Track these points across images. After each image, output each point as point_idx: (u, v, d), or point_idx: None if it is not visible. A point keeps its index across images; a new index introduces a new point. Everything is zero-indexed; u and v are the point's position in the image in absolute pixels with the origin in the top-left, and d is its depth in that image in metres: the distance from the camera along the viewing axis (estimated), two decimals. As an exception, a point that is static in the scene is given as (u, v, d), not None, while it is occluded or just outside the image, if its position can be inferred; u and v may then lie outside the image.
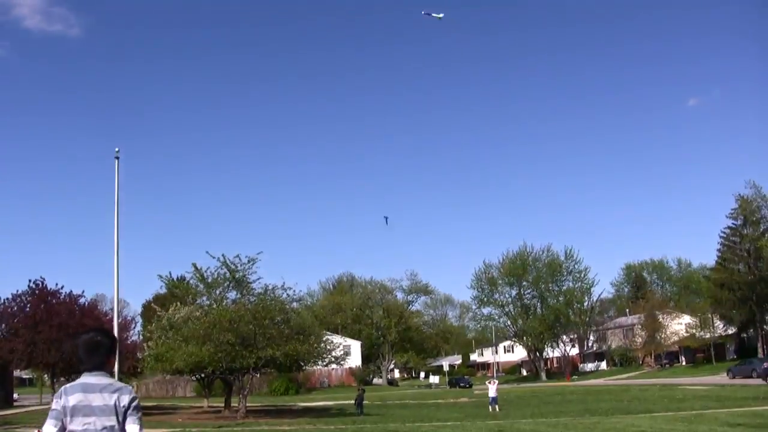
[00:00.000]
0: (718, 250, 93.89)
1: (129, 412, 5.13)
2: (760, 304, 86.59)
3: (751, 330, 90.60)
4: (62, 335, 39.65)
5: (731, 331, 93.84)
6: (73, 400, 5.07)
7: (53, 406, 5.17)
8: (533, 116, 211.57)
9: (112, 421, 5.06)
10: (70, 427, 5.06)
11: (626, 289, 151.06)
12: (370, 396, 53.41)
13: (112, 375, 5.38)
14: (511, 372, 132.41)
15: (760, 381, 59.55)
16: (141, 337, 56.93)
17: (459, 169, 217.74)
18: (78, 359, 5.32)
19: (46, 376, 56.70)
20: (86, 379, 5.17)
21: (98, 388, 5.11)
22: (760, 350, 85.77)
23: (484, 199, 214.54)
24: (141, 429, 5.17)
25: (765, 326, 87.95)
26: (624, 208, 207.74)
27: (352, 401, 51.84)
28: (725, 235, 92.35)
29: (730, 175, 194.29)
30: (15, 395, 70.30)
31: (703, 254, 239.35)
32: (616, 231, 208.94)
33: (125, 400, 5.13)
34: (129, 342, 48.81)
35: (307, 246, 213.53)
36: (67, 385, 5.23)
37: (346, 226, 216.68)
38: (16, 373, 71.52)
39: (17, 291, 43.27)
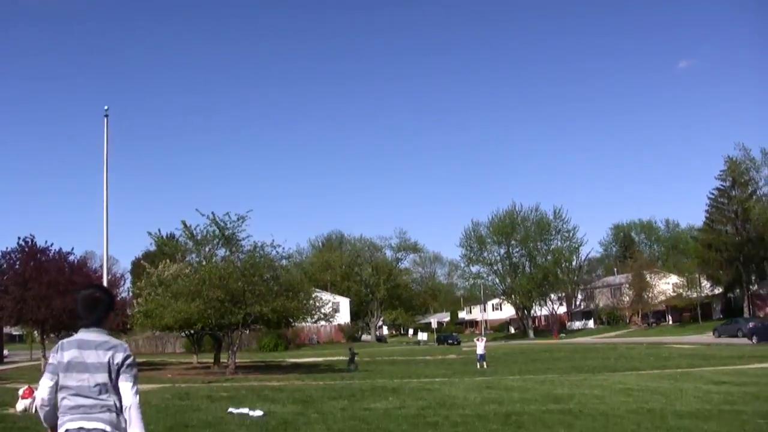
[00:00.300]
0: (706, 212, 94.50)
1: (123, 369, 5.12)
2: (747, 264, 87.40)
3: (738, 290, 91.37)
4: (52, 292, 39.53)
5: (718, 291, 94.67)
6: (68, 355, 5.10)
7: (50, 360, 5.21)
8: (523, 79, 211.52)
9: (104, 378, 5.05)
10: (63, 382, 5.07)
11: (614, 249, 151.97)
12: (358, 353, 53.72)
13: (109, 332, 5.39)
14: (499, 330, 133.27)
15: (745, 340, 60.13)
16: (130, 293, 56.98)
17: (449, 128, 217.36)
18: (77, 315, 5.31)
19: (36, 332, 56.74)
20: (83, 335, 5.19)
21: (94, 345, 5.12)
22: (745, 310, 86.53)
23: (474, 158, 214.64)
24: (134, 386, 5.15)
25: (751, 287, 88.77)
26: (613, 169, 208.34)
27: (342, 358, 52.16)
28: (713, 197, 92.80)
29: (720, 137, 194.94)
30: (5, 351, 70.52)
31: (691, 215, 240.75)
32: (605, 191, 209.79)
33: (119, 357, 5.12)
34: (118, 299, 48.75)
35: (296, 204, 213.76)
36: (65, 340, 5.25)
37: (336, 184, 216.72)
38: (6, 329, 71.55)
39: (7, 248, 43.18)
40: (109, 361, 5.07)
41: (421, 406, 18.45)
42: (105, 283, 31.86)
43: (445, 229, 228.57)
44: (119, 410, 5.08)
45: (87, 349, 5.09)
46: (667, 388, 21.79)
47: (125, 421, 5.09)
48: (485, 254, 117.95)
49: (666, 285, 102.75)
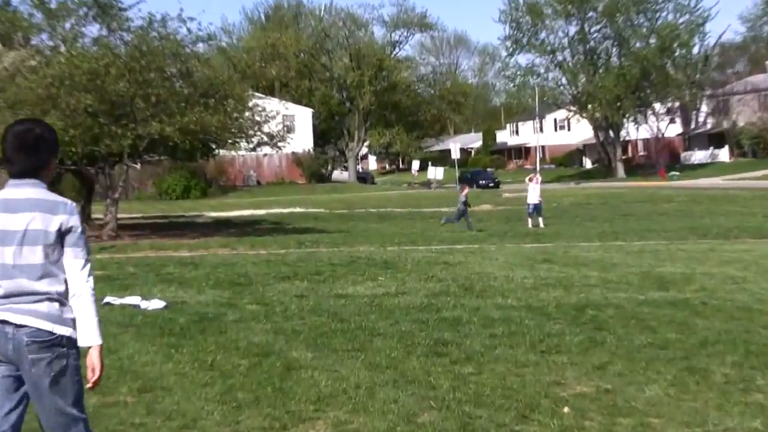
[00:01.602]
0: None
1: (70, 240, 5.64)
2: None
3: None
4: None
5: None
6: None
7: None
8: None
9: (42, 255, 5.54)
10: None
11: (766, 29, 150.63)
12: (325, 200, 54.07)
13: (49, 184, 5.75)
14: (565, 163, 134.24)
15: None
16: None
17: None
18: (4, 160, 5.71)
19: None
20: (10, 192, 5.66)
21: (28, 205, 5.58)
22: None
23: None
24: (85, 264, 5.68)
25: None
26: None
27: (300, 209, 52.44)
28: None
29: None
30: None
31: None
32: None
33: (65, 222, 5.60)
34: None
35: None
36: None
37: None
38: None
39: None
40: (50, 230, 5.55)
41: (433, 291, 18.50)
42: None
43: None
44: (64, 296, 5.61)
45: (17, 212, 5.55)
46: None
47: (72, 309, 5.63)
48: (542, 35, 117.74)
49: None
